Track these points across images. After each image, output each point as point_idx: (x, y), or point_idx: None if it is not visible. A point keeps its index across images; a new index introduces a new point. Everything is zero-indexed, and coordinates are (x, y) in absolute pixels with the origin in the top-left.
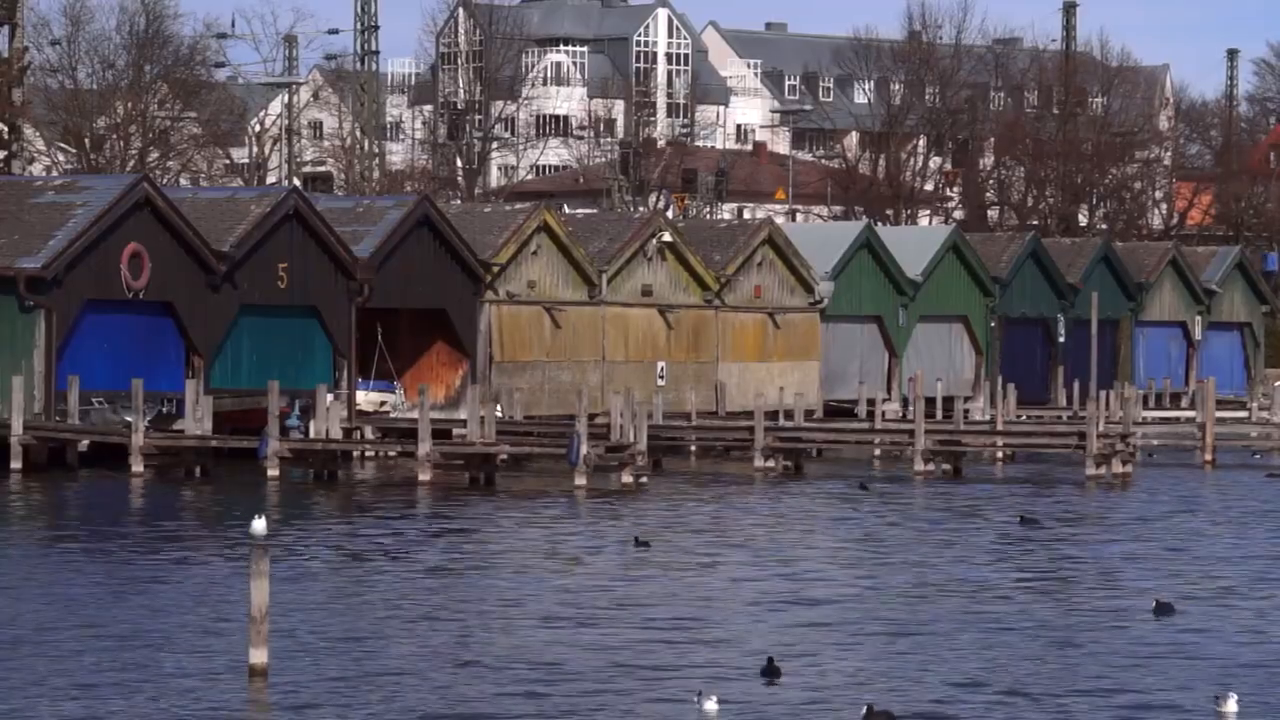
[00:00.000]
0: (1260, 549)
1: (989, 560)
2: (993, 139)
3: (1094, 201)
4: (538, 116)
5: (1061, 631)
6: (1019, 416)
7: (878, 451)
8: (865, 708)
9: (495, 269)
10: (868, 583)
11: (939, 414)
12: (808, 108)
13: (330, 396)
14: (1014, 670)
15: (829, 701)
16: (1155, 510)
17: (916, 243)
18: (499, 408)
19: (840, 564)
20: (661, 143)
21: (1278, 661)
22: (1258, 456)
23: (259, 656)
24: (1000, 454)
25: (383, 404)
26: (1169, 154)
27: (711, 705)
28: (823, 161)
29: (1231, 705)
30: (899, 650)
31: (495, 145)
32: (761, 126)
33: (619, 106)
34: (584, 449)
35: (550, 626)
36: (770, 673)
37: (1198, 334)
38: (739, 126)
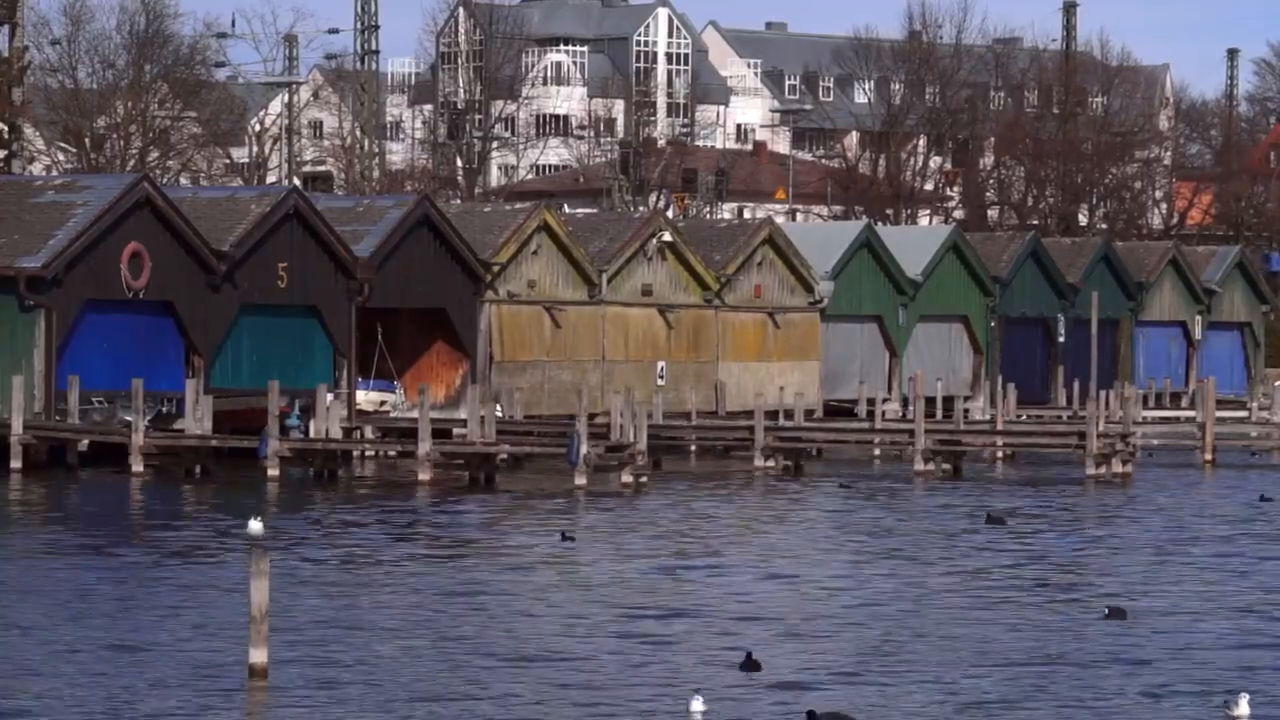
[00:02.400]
0: (1220, 549)
1: (952, 560)
2: (993, 139)
3: (1094, 201)
4: (538, 116)
5: (1023, 635)
6: (1019, 416)
7: (878, 451)
8: (806, 714)
9: (495, 269)
10: (839, 583)
11: (939, 414)
12: (808, 107)
13: (330, 396)
14: (985, 672)
15: (795, 700)
16: (1131, 510)
17: (916, 242)
18: (499, 407)
19: (812, 563)
20: (661, 142)
21: (1242, 662)
22: (1256, 456)
23: (259, 656)
24: (1000, 454)
25: (383, 404)
26: (1169, 154)
27: (697, 705)
28: (823, 161)
29: (1243, 708)
30: (869, 652)
31: (495, 145)
32: (761, 126)
33: (619, 106)
34: (584, 449)
35: (545, 625)
36: (749, 666)
37: (1198, 334)
38: (739, 126)
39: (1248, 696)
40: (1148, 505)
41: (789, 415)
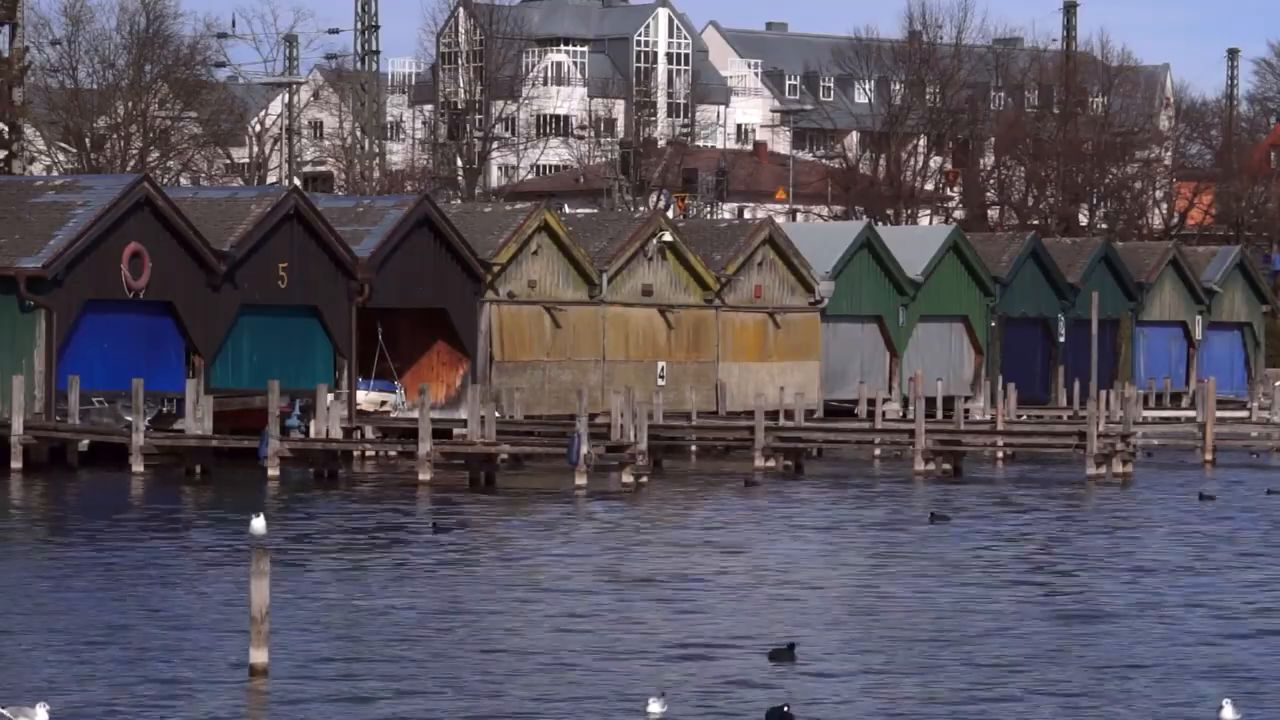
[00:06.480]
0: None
1: (886, 557)
2: (993, 139)
3: (1094, 201)
4: (538, 116)
5: (950, 630)
6: (1019, 416)
7: (878, 451)
8: (767, 710)
9: (495, 269)
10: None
11: (939, 414)
12: (808, 107)
13: (330, 396)
14: (938, 669)
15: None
16: (1077, 511)
17: (917, 243)
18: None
19: (733, 561)
20: (662, 143)
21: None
22: (1256, 456)
23: (259, 656)
24: (1000, 454)
25: (383, 404)
26: (1169, 154)
27: (655, 707)
28: (823, 161)
29: (1229, 712)
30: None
31: (495, 145)
32: (762, 126)
33: (619, 106)
34: (584, 449)
35: (543, 625)
36: (780, 657)
37: (1198, 334)
38: (739, 126)
39: (1230, 701)
40: (1089, 505)
41: (789, 415)
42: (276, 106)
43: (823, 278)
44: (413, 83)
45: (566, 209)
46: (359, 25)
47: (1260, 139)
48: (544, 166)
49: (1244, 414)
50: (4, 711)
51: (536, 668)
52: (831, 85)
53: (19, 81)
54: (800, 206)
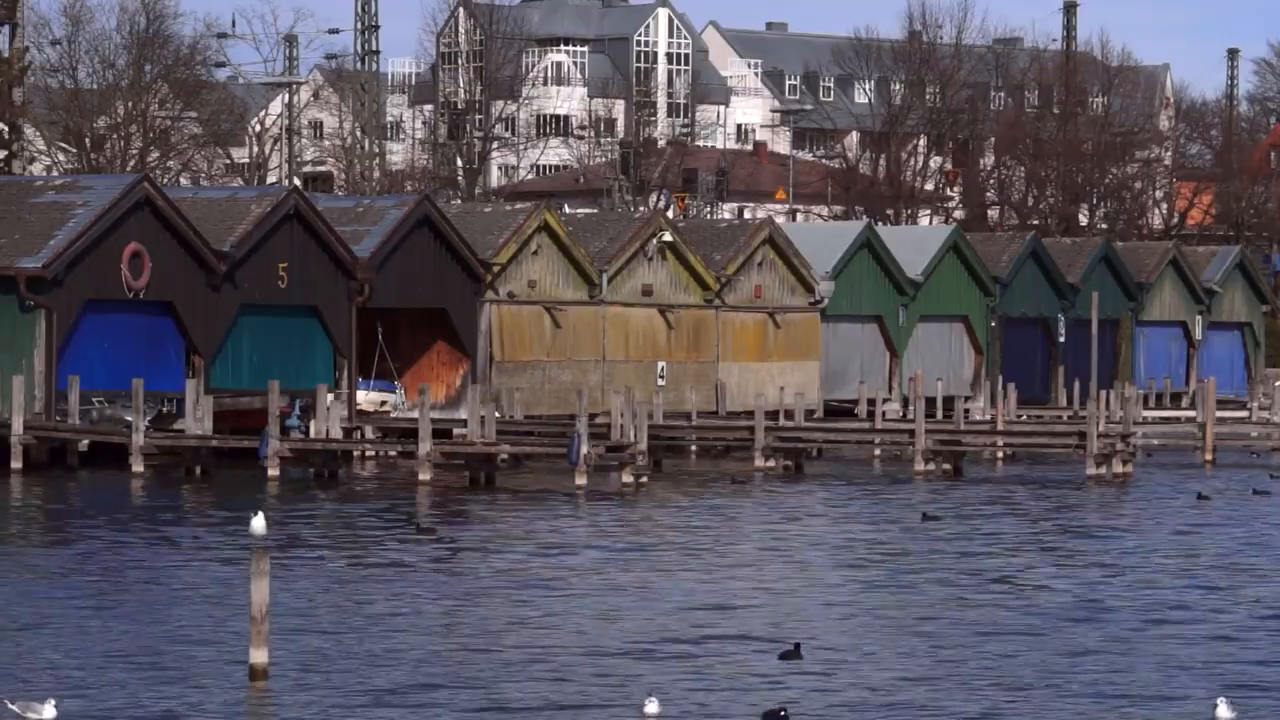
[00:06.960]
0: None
1: (879, 558)
2: (993, 139)
3: (1094, 201)
4: (538, 116)
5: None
6: (1019, 416)
7: (878, 451)
8: (763, 713)
9: (495, 269)
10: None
11: (939, 414)
12: (808, 108)
13: (330, 396)
14: (933, 671)
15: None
16: (1072, 510)
17: (916, 243)
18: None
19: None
20: (662, 143)
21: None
22: (1256, 456)
23: (259, 656)
24: (1000, 454)
25: (383, 404)
26: (1169, 154)
27: (652, 707)
28: (823, 161)
29: (1224, 711)
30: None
31: (495, 145)
32: (762, 126)
33: (619, 106)
34: (584, 449)
35: (542, 625)
36: (790, 655)
37: (1198, 334)
38: (739, 126)
39: (1226, 700)
40: (1088, 505)
41: (789, 415)
42: (276, 106)
43: (823, 278)
44: (413, 83)
45: (566, 209)
46: (359, 25)
47: (1260, 139)
48: (544, 166)
49: (1244, 414)
50: (13, 707)
51: (535, 667)
52: (831, 85)
53: (19, 81)
54: (800, 206)
